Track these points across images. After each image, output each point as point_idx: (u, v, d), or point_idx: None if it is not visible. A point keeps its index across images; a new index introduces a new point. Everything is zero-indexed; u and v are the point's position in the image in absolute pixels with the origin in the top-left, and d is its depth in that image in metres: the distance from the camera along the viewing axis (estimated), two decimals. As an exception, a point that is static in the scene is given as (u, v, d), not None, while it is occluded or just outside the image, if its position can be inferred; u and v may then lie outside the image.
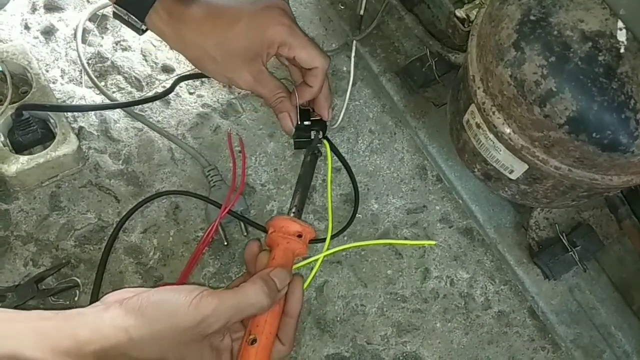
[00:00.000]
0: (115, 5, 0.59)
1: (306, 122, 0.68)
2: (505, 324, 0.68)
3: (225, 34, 0.60)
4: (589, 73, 0.43)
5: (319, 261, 0.66)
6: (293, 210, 0.62)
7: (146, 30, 0.60)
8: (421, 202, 0.72)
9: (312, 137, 0.68)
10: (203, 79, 0.74)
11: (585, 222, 0.63)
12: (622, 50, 0.43)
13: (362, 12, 0.67)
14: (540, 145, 0.49)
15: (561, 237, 0.62)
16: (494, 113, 0.50)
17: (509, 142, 0.50)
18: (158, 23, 0.59)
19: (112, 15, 0.61)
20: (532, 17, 0.46)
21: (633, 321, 0.64)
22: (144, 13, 0.58)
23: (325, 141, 0.69)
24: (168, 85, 0.71)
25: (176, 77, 0.73)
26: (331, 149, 0.70)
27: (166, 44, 0.63)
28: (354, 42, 0.69)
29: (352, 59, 0.69)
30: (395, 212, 0.71)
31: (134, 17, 0.59)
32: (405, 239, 0.70)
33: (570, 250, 0.62)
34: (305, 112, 0.68)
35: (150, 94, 0.73)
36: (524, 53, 0.46)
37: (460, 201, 0.69)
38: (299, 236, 0.57)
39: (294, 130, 0.67)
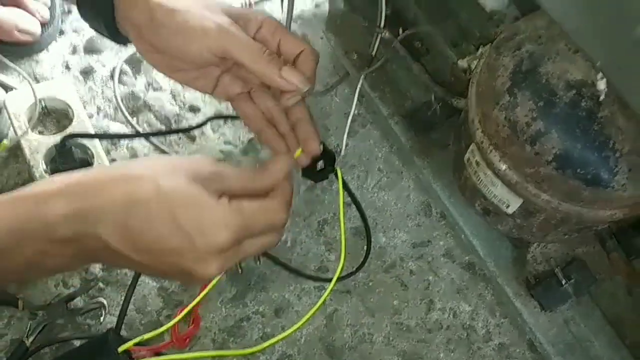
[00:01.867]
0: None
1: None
2: (505, 356, 0.71)
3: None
4: (573, 116, 0.49)
5: (328, 290, 0.69)
6: None
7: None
8: (426, 237, 0.77)
9: (319, 168, 0.72)
10: (227, 120, 0.81)
11: (578, 258, 0.67)
12: (602, 97, 0.48)
13: (374, 53, 0.73)
14: (532, 181, 0.53)
15: (556, 271, 0.66)
16: (491, 151, 0.55)
17: (505, 177, 0.55)
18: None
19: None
20: (523, 68, 0.52)
21: (625, 354, 0.67)
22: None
23: (338, 169, 0.71)
24: (194, 124, 0.78)
25: (205, 116, 0.79)
26: (342, 184, 0.73)
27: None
28: (362, 75, 0.74)
29: (357, 90, 0.74)
30: (401, 246, 0.76)
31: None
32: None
33: (565, 283, 0.65)
34: None
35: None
36: (517, 98, 0.52)
37: (463, 236, 0.73)
38: None
39: None
